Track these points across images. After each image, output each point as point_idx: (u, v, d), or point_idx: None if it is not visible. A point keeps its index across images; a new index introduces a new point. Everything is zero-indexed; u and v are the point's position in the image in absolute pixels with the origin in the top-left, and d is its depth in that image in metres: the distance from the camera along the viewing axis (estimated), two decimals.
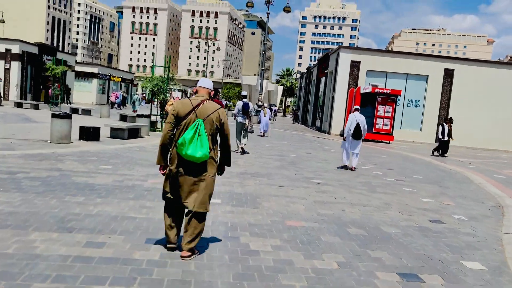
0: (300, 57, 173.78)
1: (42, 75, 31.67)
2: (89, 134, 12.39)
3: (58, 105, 26.18)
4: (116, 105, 38.52)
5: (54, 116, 11.30)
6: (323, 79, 33.96)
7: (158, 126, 18.46)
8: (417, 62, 27.19)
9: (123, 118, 22.50)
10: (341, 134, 11.95)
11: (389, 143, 24.17)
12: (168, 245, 4.17)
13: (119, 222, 4.98)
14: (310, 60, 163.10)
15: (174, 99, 19.35)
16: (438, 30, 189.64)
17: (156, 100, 18.73)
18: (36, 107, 25.94)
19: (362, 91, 24.08)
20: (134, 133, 14.47)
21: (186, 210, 4.15)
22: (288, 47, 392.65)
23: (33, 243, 4.09)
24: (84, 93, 42.95)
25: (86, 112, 25.08)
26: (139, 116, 16.15)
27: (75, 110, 25.48)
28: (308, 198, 7.25)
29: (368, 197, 7.77)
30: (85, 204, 5.62)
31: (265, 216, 5.82)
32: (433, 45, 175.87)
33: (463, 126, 26.93)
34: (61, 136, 11.23)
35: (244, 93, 13.39)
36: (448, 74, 27.11)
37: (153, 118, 18.54)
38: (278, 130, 28.01)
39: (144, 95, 41.65)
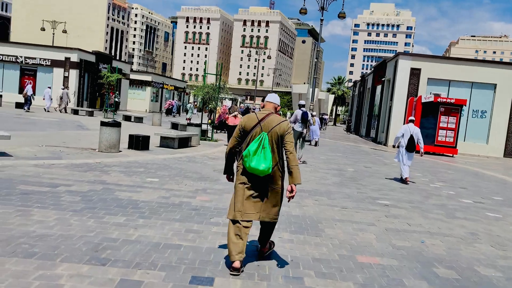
0: (352, 65, 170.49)
1: (98, 83, 32.36)
2: (139, 143, 11.97)
3: (112, 112, 26.52)
4: (173, 113, 39.55)
5: (103, 124, 10.96)
6: (379, 87, 32.41)
7: (208, 135, 17.97)
8: (484, 70, 25.13)
9: (175, 126, 22.28)
10: (394, 146, 11.38)
11: (452, 156, 22.38)
12: (231, 272, 3.90)
13: (161, 252, 4.25)
14: (362, 68, 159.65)
15: (225, 107, 18.82)
16: (500, 37, 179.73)
17: (208, 108, 18.26)
18: (91, 114, 26.39)
19: (423, 100, 22.49)
20: (184, 143, 13.98)
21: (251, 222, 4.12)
22: (339, 56, 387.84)
23: (59, 279, 3.42)
24: (137, 101, 43.78)
25: (139, 119, 25.17)
26: (189, 124, 15.69)
27: (127, 118, 25.72)
28: (378, 224, 6.24)
29: (448, 224, 6.64)
30: (125, 226, 4.95)
31: (330, 249, 4.90)
32: (494, 52, 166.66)
33: None
34: (110, 145, 10.86)
35: (302, 102, 13.42)
36: None
37: (204, 127, 18.07)
38: (331, 140, 26.85)
39: (195, 103, 41.93)
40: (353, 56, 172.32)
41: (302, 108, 13.06)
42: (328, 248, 4.91)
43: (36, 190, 6.19)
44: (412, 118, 11.20)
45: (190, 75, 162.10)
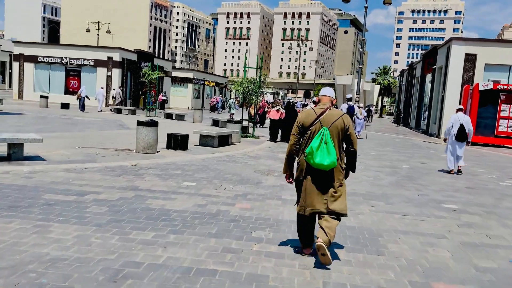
0: (397, 54, 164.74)
1: (140, 81, 32.48)
2: (177, 142, 11.41)
3: (154, 110, 26.40)
4: (218, 110, 39.78)
5: (139, 123, 10.46)
6: (429, 76, 30.51)
7: (249, 132, 17.27)
8: None
9: (215, 123, 21.79)
10: (445, 140, 11.02)
11: None
12: (304, 252, 4.25)
13: (192, 280, 3.52)
14: (408, 57, 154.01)
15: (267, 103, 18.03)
16: None
17: (247, 103, 17.53)
18: (133, 112, 26.36)
19: (481, 88, 20.70)
20: (224, 140, 13.33)
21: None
22: (382, 45, 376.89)
23: None
24: (180, 98, 43.80)
25: (180, 117, 24.87)
26: (229, 121, 15.02)
27: (169, 115, 25.51)
28: (450, 236, 5.25)
29: None
30: (152, 245, 4.27)
31: (398, 272, 4.00)
32: None
33: None
34: (147, 145, 10.34)
35: (349, 95, 12.42)
36: None
37: (245, 123, 17.38)
38: (379, 133, 25.45)
39: (238, 98, 41.50)
40: (398, 45, 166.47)
41: (349, 102, 12.70)
42: (395, 271, 4.01)
43: (61, 200, 5.65)
44: (460, 107, 11.08)
45: (232, 70, 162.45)
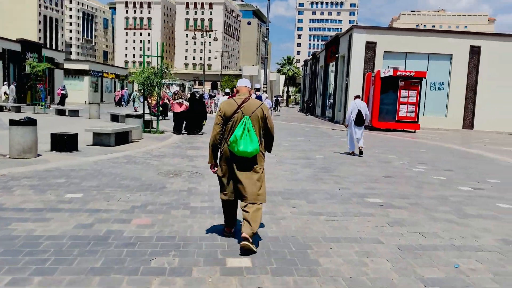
0: (299, 45, 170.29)
1: (25, 74, 28.89)
2: (64, 143, 9.73)
3: (43, 106, 23.54)
4: (125, 103, 37.39)
5: (13, 123, 8.65)
6: (332, 64, 31.18)
7: (154, 126, 15.82)
8: (440, 40, 24.38)
9: (115, 118, 19.92)
10: (346, 125, 11.75)
11: (415, 132, 21.52)
12: (243, 242, 3.96)
13: None
14: (309, 48, 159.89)
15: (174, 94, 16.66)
16: (438, 11, 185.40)
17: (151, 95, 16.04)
18: (18, 109, 23.23)
19: (382, 75, 21.33)
20: (123, 138, 11.81)
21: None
22: (284, 37, 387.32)
23: None
24: (75, 92, 40.12)
25: (74, 112, 22.43)
26: (128, 116, 13.45)
27: (61, 112, 22.90)
28: (385, 240, 4.59)
29: (468, 229, 5.12)
30: None
31: None
32: (433, 26, 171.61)
33: (492, 109, 24.29)
34: (23, 148, 8.57)
35: (257, 86, 12.13)
36: (475, 52, 24.37)
37: (148, 117, 15.88)
38: (288, 123, 25.33)
39: (142, 91, 38.96)
40: (299, 36, 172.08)
41: (257, 92, 12.65)
42: None
43: None
44: (358, 94, 12.11)
45: (134, 62, 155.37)
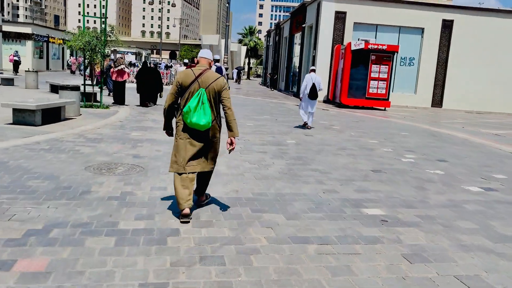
0: (261, 15, 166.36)
1: None
2: None
3: None
4: (81, 71, 34.31)
5: None
6: (298, 35, 29.38)
7: (98, 99, 13.61)
8: (412, 13, 23.03)
9: (55, 89, 17.41)
10: (300, 98, 11.68)
11: (385, 109, 20.32)
12: (182, 219, 4.03)
13: None
14: (271, 19, 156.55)
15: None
16: None
17: (91, 63, 13.77)
18: None
19: (353, 47, 19.79)
20: (53, 115, 9.68)
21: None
22: (246, 7, 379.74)
23: None
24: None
25: (7, 81, 19.66)
26: (63, 88, 11.18)
27: None
28: None
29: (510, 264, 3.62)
30: None
31: None
32: None
33: (462, 87, 23.49)
34: None
35: (217, 56, 11.66)
36: (447, 26, 23.26)
37: (89, 89, 13.63)
38: (249, 97, 23.52)
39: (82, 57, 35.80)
40: (261, 6, 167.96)
41: (216, 64, 11.78)
42: None
43: None
44: (313, 67, 12.04)
45: (88, 28, 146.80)
